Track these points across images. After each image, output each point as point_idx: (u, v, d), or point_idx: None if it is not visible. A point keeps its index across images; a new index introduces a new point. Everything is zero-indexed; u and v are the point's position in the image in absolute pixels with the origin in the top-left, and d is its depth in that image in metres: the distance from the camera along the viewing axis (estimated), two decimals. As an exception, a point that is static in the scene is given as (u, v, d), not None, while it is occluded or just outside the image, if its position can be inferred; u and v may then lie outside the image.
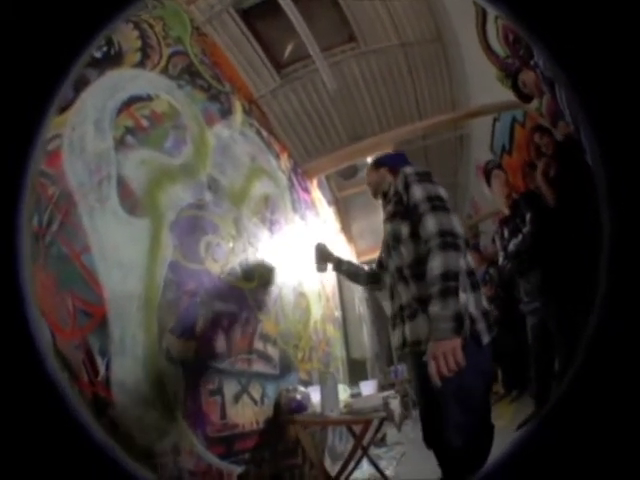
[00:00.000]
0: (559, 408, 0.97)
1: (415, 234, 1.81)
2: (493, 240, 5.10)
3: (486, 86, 4.72)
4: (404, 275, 1.91)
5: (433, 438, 1.88)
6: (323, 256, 2.73)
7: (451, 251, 1.64)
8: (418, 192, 1.81)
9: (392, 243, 1.97)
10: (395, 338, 1.97)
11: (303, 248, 3.55)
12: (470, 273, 1.80)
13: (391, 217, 1.99)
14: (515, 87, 3.28)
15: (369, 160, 2.58)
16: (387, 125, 5.17)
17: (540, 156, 4.56)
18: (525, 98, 3.33)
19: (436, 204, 1.76)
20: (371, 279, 2.49)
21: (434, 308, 1.60)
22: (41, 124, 0.99)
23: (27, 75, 0.94)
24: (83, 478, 0.93)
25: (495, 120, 5.51)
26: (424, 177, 1.89)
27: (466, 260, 1.79)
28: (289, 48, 4.62)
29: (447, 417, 1.73)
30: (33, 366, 0.91)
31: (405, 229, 1.88)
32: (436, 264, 1.64)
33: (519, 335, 4.25)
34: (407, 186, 1.87)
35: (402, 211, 1.90)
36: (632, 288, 0.89)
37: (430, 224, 1.71)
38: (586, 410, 0.90)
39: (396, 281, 1.97)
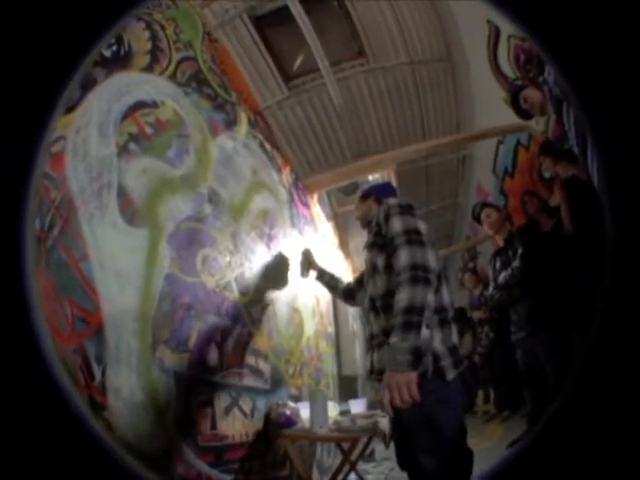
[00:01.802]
0: (549, 431, 0.98)
1: (390, 266, 1.85)
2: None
3: (493, 108, 4.79)
4: (376, 305, 1.96)
5: (405, 461, 1.90)
6: (307, 262, 3.01)
7: (420, 285, 1.66)
8: (397, 224, 1.85)
9: (369, 272, 2.04)
10: (366, 364, 2.04)
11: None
12: (441, 309, 1.83)
13: (370, 247, 2.05)
14: (515, 102, 3.26)
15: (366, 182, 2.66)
16: (391, 143, 5.21)
17: (542, 179, 4.58)
18: (523, 114, 3.31)
19: (412, 238, 1.78)
20: (347, 294, 2.68)
21: (394, 339, 1.62)
22: (48, 124, 0.99)
23: (35, 72, 0.95)
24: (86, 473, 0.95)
25: (499, 142, 5.56)
26: (406, 210, 1.92)
27: (440, 296, 1.83)
28: (299, 60, 4.67)
29: (416, 442, 1.76)
30: (37, 365, 0.93)
31: (381, 261, 1.94)
32: (403, 297, 1.66)
33: (512, 356, 4.23)
34: (387, 218, 1.91)
35: (380, 243, 1.96)
36: (627, 315, 0.90)
37: (403, 257, 1.74)
38: (576, 433, 0.91)
39: (369, 309, 2.03)
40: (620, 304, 0.91)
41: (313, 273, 3.02)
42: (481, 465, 1.75)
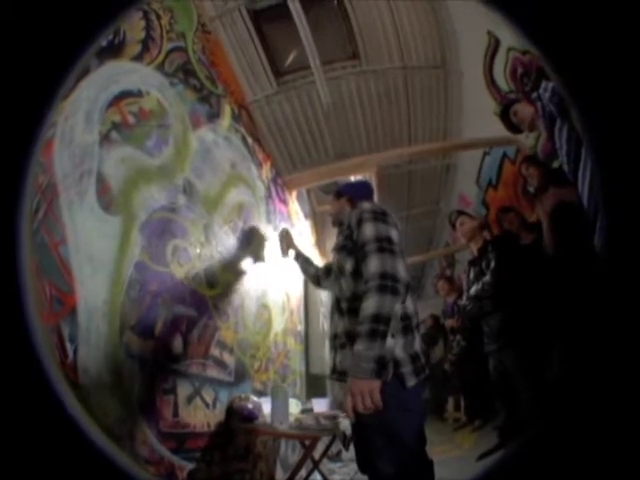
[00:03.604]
0: (523, 447, 1.02)
1: (357, 271, 1.89)
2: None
3: (482, 119, 4.83)
4: (341, 307, 2.01)
5: (365, 465, 1.91)
6: (286, 242, 3.16)
7: (388, 295, 1.69)
8: (369, 231, 1.88)
9: (336, 273, 2.08)
10: (329, 363, 2.09)
11: (272, 259, 3.67)
12: (405, 317, 1.85)
13: (339, 249, 2.09)
14: (505, 115, 3.30)
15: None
16: (375, 146, 5.29)
17: (526, 192, 4.65)
18: (513, 128, 3.34)
19: (384, 245, 1.81)
20: (315, 278, 2.80)
21: (359, 347, 1.66)
22: (47, 114, 1.04)
23: (39, 62, 1.00)
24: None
25: (485, 154, 5.62)
26: (379, 216, 1.94)
27: (405, 305, 1.85)
28: (292, 57, 4.73)
29: (374, 447, 1.78)
30: (26, 341, 1.01)
31: (349, 265, 1.97)
32: (370, 304, 1.69)
33: (483, 367, 4.30)
34: (360, 223, 1.93)
35: (350, 247, 1.98)
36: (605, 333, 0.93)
37: (373, 265, 1.77)
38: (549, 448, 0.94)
39: (334, 309, 2.09)
40: (600, 321, 0.94)
41: (292, 253, 3.14)
42: (449, 473, 1.80)
